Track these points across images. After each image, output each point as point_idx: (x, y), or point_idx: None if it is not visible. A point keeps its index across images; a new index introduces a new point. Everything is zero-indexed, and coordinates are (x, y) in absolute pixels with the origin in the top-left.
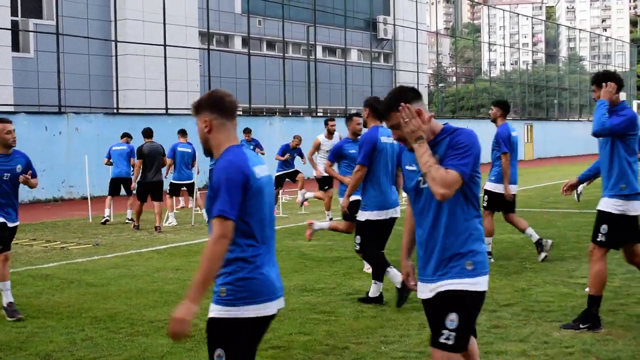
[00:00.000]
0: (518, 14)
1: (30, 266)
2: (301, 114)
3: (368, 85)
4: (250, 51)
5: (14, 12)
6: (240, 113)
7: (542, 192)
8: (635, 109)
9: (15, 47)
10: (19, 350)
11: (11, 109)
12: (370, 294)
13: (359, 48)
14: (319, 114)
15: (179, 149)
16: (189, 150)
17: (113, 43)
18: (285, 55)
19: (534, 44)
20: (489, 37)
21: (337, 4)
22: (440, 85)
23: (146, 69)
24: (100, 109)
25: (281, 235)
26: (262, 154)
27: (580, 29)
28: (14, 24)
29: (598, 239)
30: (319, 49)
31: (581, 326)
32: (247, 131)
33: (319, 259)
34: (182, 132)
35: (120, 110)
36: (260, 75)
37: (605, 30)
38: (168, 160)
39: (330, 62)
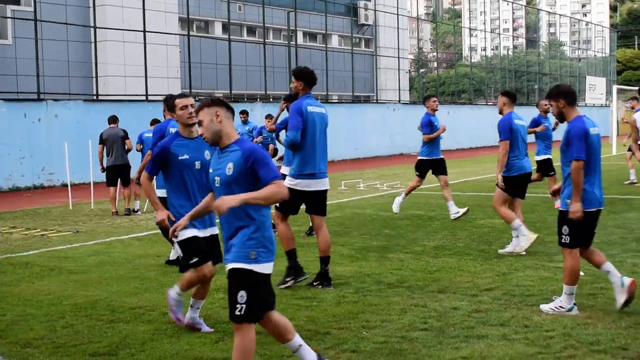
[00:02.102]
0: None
1: (10, 254)
2: (282, 99)
3: (349, 71)
4: (231, 37)
5: None
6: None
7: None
8: (615, 94)
9: None
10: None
11: None
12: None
13: (339, 34)
14: None
15: (146, 135)
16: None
17: (92, 29)
18: (266, 41)
19: (515, 29)
20: (470, 23)
21: None
22: (421, 70)
23: (126, 55)
24: (80, 95)
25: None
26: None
27: (560, 14)
28: None
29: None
30: (300, 35)
31: None
32: (243, 112)
33: (300, 244)
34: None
35: (100, 97)
36: (241, 61)
37: (585, 16)
38: (137, 146)
39: (311, 47)
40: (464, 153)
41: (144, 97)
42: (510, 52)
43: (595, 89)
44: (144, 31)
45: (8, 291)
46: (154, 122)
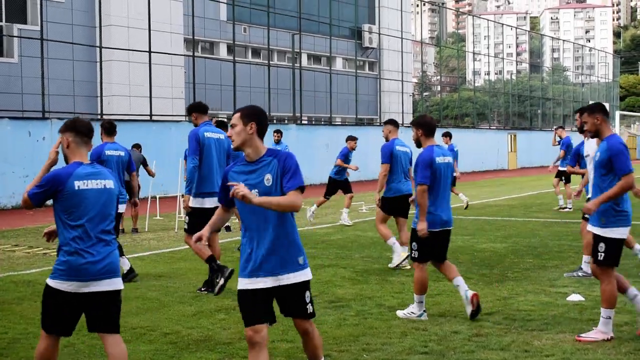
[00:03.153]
0: (502, 24)
1: (12, 272)
2: (286, 121)
3: (353, 94)
4: (236, 58)
5: None
6: (225, 120)
7: (524, 201)
8: (617, 119)
9: None
10: (1, 356)
11: None
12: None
13: (344, 56)
14: (303, 122)
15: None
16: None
17: (98, 49)
18: (271, 62)
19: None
20: (474, 47)
21: (322, 12)
22: (424, 94)
23: (131, 75)
24: (85, 114)
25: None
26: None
27: (564, 40)
28: None
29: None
30: (304, 57)
31: None
32: (277, 132)
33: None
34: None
35: (104, 116)
36: (245, 82)
37: (589, 41)
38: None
39: (315, 70)
40: (467, 177)
41: (148, 117)
42: (513, 77)
43: None
44: (149, 51)
45: (10, 309)
46: (137, 145)
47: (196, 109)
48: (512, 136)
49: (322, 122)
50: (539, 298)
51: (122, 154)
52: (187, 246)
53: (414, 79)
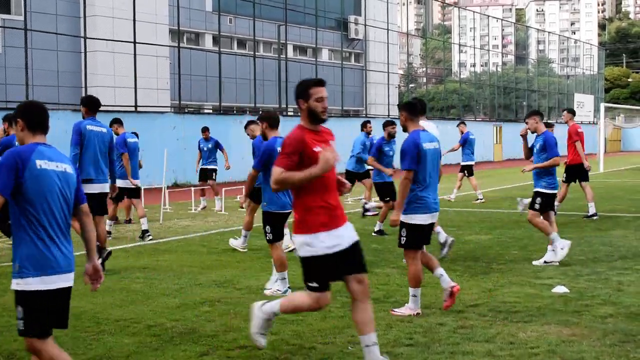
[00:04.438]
0: (488, 16)
1: None
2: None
3: (339, 85)
4: (221, 49)
5: None
6: (210, 111)
7: (510, 193)
8: (602, 112)
9: None
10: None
11: None
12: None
13: (330, 48)
14: (289, 113)
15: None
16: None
17: (82, 39)
18: (256, 53)
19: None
20: (460, 39)
21: (308, 4)
22: (410, 85)
23: (115, 66)
24: (69, 105)
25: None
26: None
27: (549, 32)
28: None
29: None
30: (290, 48)
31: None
32: (204, 129)
33: (287, 258)
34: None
35: None
36: (231, 73)
37: (574, 34)
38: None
39: (301, 61)
40: (453, 169)
41: (133, 108)
42: (499, 69)
43: (583, 106)
44: (134, 42)
45: None
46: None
47: (85, 103)
48: (498, 128)
49: None
50: (524, 290)
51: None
52: (172, 238)
53: (399, 71)
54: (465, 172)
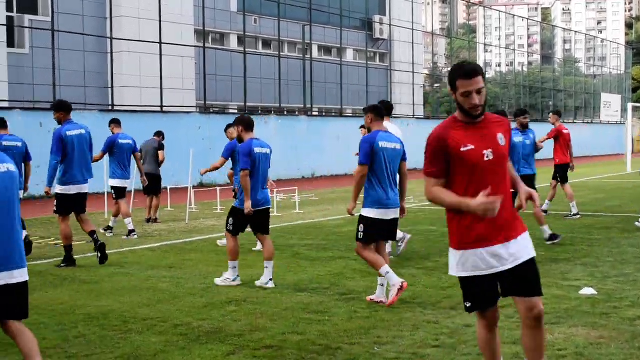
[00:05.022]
0: (514, 15)
1: None
2: (296, 112)
3: (364, 85)
4: (246, 49)
5: (9, 8)
6: (235, 111)
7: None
8: (630, 111)
9: (11, 43)
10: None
11: (6, 104)
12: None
13: (354, 48)
14: (314, 113)
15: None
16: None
17: (109, 40)
18: (281, 54)
19: (530, 46)
20: (485, 38)
21: (333, 4)
22: (435, 85)
23: (141, 66)
24: (95, 105)
25: (274, 235)
26: None
27: (575, 31)
28: (10, 20)
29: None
30: (315, 48)
31: None
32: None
33: (312, 258)
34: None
35: (115, 107)
36: (256, 73)
37: (601, 33)
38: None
39: (325, 61)
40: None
41: (159, 108)
42: (525, 68)
43: (610, 106)
44: (160, 43)
45: None
46: (159, 133)
47: (60, 108)
48: None
49: (333, 114)
50: (551, 291)
51: (19, 144)
52: (198, 237)
53: (424, 71)
54: None
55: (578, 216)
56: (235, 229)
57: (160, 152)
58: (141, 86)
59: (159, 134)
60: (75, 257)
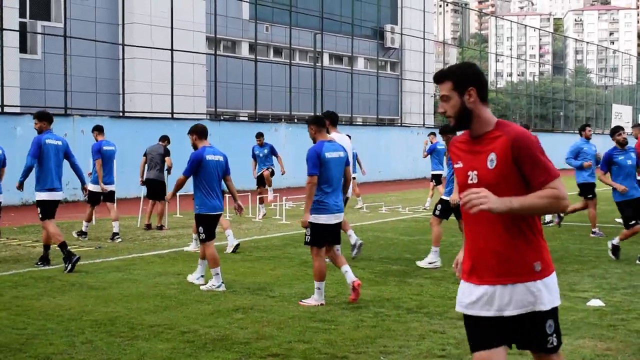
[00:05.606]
0: (525, 26)
1: (32, 267)
2: (307, 120)
3: (374, 94)
4: (257, 57)
5: (22, 14)
6: (246, 119)
7: None
8: None
9: (23, 48)
10: (19, 352)
11: (17, 110)
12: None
13: (365, 56)
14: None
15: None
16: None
17: (120, 46)
18: (292, 62)
19: (541, 56)
20: (496, 48)
21: (344, 12)
22: None
23: (153, 73)
24: (106, 111)
25: (283, 243)
26: (278, 157)
27: (587, 42)
28: (22, 26)
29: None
30: (326, 57)
31: None
32: (259, 135)
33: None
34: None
35: (126, 114)
36: (267, 81)
37: (613, 44)
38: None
39: (336, 69)
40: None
41: (169, 115)
42: (536, 79)
43: (621, 117)
44: (172, 49)
45: (29, 305)
46: (164, 138)
47: (44, 118)
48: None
49: (343, 122)
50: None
51: None
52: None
53: None
54: (434, 181)
55: (552, 224)
56: (208, 236)
57: (167, 159)
58: (152, 93)
59: (165, 138)
60: (82, 262)
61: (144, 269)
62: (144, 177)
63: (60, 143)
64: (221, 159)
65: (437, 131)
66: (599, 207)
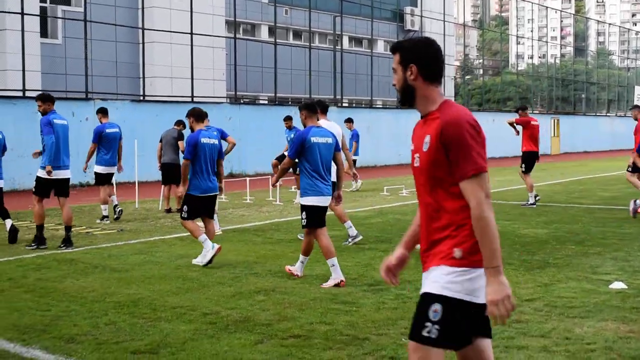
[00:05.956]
0: (547, 7)
1: (55, 250)
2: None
3: None
4: (277, 40)
5: None
6: (266, 102)
7: (567, 187)
8: None
9: (44, 33)
10: (43, 333)
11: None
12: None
13: (385, 39)
14: (344, 104)
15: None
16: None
17: (140, 30)
18: (312, 45)
19: (563, 38)
20: (517, 30)
21: None
22: (466, 77)
23: (172, 56)
24: (127, 95)
25: None
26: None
27: (609, 23)
28: (43, 11)
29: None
30: (345, 40)
31: None
32: (287, 119)
33: (341, 249)
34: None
35: (146, 98)
36: (286, 64)
37: (635, 25)
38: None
39: (356, 52)
40: (507, 161)
41: (189, 99)
42: (557, 61)
43: None
44: (191, 33)
45: (53, 287)
46: (179, 122)
47: (48, 99)
48: (555, 121)
49: (363, 105)
50: (581, 285)
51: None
52: (227, 227)
53: (456, 62)
54: None
55: (534, 206)
56: (190, 215)
57: (180, 142)
58: (172, 77)
59: (180, 122)
60: (105, 245)
61: (166, 252)
62: (161, 161)
63: (65, 122)
64: (216, 142)
65: None
66: None
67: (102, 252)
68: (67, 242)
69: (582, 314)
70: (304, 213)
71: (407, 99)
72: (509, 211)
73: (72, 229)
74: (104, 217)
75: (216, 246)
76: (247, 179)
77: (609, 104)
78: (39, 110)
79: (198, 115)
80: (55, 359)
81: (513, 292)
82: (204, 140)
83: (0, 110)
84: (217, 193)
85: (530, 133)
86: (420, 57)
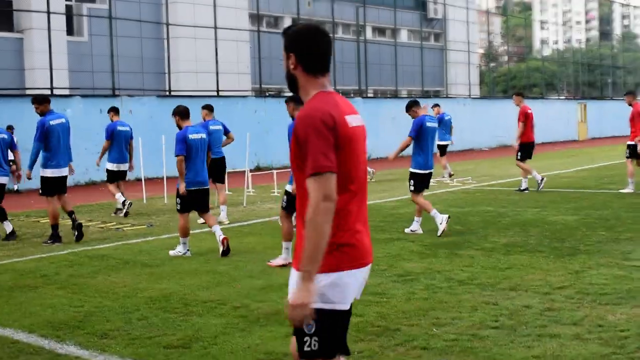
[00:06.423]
0: None
1: (86, 247)
2: (351, 94)
3: (418, 66)
4: None
5: None
6: (291, 94)
7: (596, 172)
8: None
9: (70, 31)
10: (77, 329)
11: (66, 92)
12: None
13: (409, 28)
14: (369, 95)
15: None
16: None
17: (164, 26)
18: (335, 36)
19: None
20: (541, 15)
21: None
22: (491, 64)
23: (197, 51)
24: (153, 91)
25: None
26: None
27: (634, 6)
28: (68, 9)
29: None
30: (369, 30)
31: None
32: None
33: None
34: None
35: (172, 93)
36: None
37: None
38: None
39: (380, 42)
40: (536, 148)
41: (215, 93)
42: (582, 45)
43: None
44: (215, 27)
45: (85, 283)
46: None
47: (44, 101)
48: (582, 106)
49: (388, 95)
50: (612, 272)
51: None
52: (255, 220)
53: (480, 50)
54: (439, 151)
55: (527, 191)
56: (183, 208)
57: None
58: (197, 71)
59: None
60: (135, 241)
61: (196, 246)
62: None
63: (63, 121)
64: (204, 136)
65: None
66: None
67: (132, 247)
68: (73, 224)
69: (615, 300)
70: (285, 197)
71: (290, 86)
72: (538, 198)
73: (128, 226)
74: (117, 209)
75: (180, 253)
76: (274, 171)
77: (636, 88)
78: (36, 112)
79: (183, 112)
80: (90, 355)
81: (543, 280)
82: (191, 136)
83: (30, 108)
84: (208, 187)
85: (530, 123)
86: (301, 47)
